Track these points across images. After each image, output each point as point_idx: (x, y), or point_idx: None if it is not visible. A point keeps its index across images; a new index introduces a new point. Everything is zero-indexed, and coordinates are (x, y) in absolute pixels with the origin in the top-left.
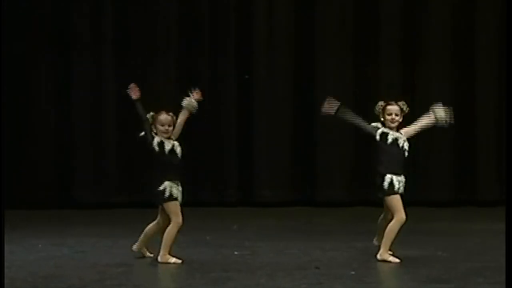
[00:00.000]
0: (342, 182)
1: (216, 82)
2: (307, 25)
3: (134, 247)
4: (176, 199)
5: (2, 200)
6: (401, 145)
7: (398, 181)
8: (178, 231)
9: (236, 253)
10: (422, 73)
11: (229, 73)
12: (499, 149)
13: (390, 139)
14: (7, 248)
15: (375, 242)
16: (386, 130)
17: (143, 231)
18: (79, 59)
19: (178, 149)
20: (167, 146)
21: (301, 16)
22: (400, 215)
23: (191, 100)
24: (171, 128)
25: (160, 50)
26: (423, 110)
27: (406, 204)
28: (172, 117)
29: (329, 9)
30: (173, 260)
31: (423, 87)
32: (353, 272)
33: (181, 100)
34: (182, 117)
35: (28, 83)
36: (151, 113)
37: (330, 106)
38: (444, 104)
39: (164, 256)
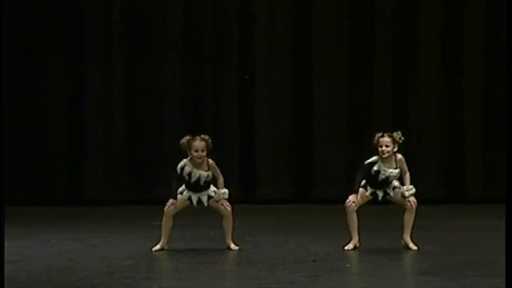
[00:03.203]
0: (339, 180)
1: (218, 83)
2: (305, 29)
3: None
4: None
5: (2, 200)
6: (390, 180)
7: (379, 192)
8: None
9: (238, 247)
10: (413, 76)
11: (231, 75)
12: (486, 150)
13: (380, 178)
14: (23, 242)
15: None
16: (379, 168)
17: (153, 226)
18: (90, 62)
19: (203, 180)
20: (194, 177)
21: (300, 21)
22: None
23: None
24: (204, 153)
25: (167, 56)
26: (415, 113)
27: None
28: (207, 141)
29: (326, 14)
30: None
31: (414, 90)
32: (348, 265)
33: (186, 102)
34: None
35: (41, 83)
36: (187, 137)
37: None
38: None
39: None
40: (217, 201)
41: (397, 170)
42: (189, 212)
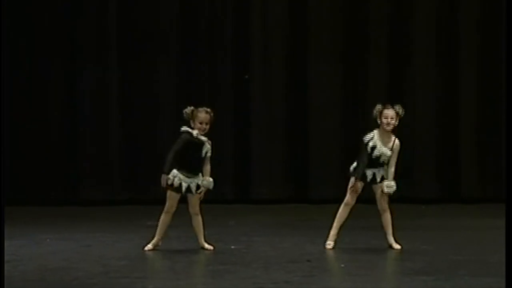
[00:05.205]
0: (333, 180)
1: (214, 83)
2: (300, 28)
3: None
4: (176, 189)
5: (2, 199)
6: (381, 160)
7: (369, 172)
8: (168, 217)
9: (233, 247)
10: (408, 76)
11: (227, 75)
12: (481, 149)
13: (374, 155)
14: (18, 242)
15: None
16: (375, 143)
17: (147, 226)
18: (85, 63)
19: (205, 150)
20: (196, 149)
21: (295, 20)
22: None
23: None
24: (208, 126)
25: (162, 54)
26: (410, 110)
27: (393, 201)
28: (211, 115)
29: (321, 15)
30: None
31: (409, 90)
32: (342, 265)
33: (181, 101)
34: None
35: (39, 84)
36: (191, 108)
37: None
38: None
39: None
40: (199, 193)
41: (390, 153)
42: (185, 212)
